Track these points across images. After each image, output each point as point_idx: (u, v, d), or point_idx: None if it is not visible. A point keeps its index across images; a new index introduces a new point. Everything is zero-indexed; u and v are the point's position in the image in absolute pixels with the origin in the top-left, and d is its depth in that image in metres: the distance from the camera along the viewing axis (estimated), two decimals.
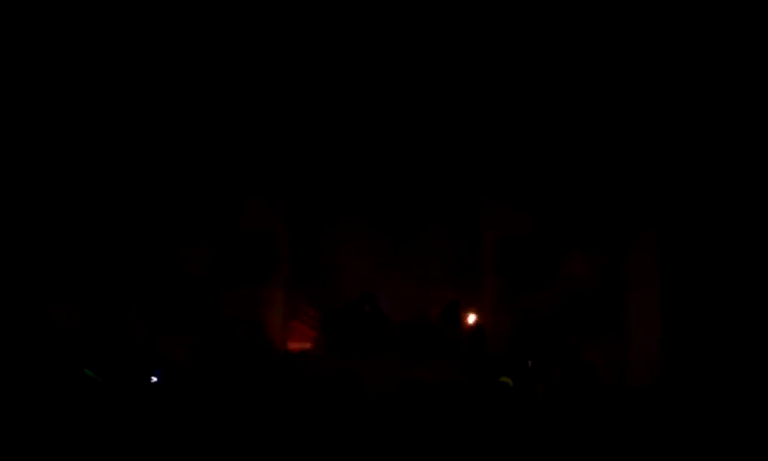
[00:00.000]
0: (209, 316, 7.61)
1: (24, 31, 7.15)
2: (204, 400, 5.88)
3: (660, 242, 7.53)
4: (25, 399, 5.33)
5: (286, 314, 7.89)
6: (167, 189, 7.72)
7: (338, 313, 7.76)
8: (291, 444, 5.36)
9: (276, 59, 7.60)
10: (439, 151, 8.02)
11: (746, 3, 6.99)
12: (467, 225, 8.12)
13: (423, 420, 5.55)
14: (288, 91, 7.74)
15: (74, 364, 5.77)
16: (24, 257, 7.25)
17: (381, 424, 5.40)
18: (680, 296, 7.42)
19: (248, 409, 5.71)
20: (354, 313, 7.68)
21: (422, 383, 6.01)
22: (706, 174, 7.33)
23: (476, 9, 7.39)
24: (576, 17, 7.36)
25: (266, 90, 7.73)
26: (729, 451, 5.30)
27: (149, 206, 7.67)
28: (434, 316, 7.90)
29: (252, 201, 7.89)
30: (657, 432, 5.71)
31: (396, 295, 7.97)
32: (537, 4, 7.31)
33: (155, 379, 6.09)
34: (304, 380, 6.27)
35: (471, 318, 7.73)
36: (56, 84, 7.35)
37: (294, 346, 7.72)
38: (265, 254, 7.85)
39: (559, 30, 7.42)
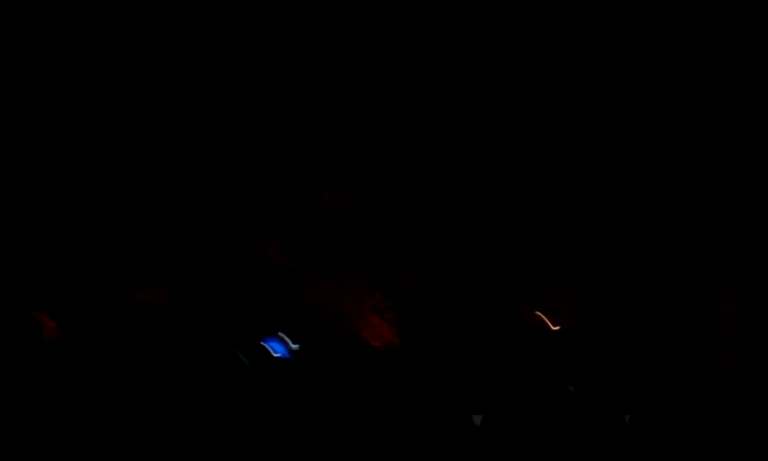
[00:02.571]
0: (291, 302, 7.49)
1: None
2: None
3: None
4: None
5: (366, 306, 7.78)
6: (246, 179, 7.66)
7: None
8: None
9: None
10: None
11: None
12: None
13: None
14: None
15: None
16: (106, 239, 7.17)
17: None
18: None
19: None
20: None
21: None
22: None
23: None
24: None
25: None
26: None
27: (232, 198, 7.62)
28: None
29: (331, 192, 7.79)
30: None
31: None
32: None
33: (277, 354, 5.97)
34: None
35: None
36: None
37: (376, 340, 7.60)
38: (344, 245, 7.76)
39: None
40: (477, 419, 5.95)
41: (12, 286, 6.92)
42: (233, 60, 7.58)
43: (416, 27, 7.67)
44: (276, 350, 6.06)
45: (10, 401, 5.48)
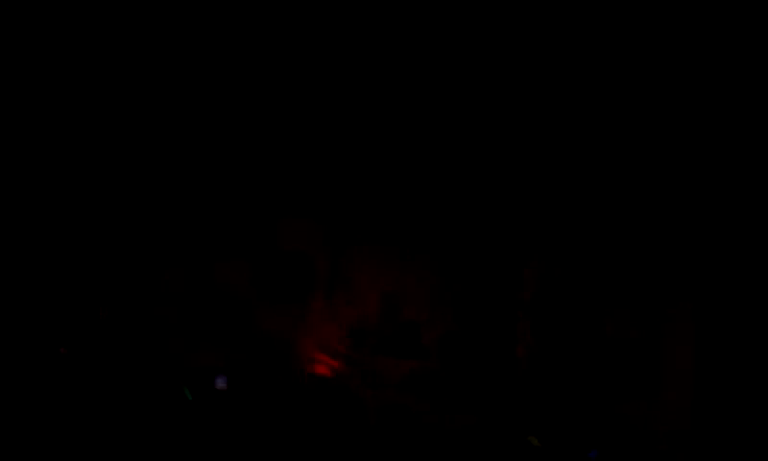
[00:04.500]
0: (245, 331, 7.75)
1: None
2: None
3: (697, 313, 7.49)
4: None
5: (319, 336, 8.02)
6: (203, 203, 7.90)
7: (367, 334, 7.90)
8: None
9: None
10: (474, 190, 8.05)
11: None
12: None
13: None
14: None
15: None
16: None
17: None
18: (715, 360, 7.34)
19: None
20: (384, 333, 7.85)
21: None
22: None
23: None
24: None
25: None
26: None
27: (184, 220, 7.86)
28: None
29: (289, 220, 8.03)
30: None
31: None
32: None
33: (221, 384, 6.29)
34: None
35: None
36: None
37: (321, 369, 7.85)
38: (304, 274, 7.99)
39: None
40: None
41: None
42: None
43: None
44: (219, 384, 6.39)
45: None
